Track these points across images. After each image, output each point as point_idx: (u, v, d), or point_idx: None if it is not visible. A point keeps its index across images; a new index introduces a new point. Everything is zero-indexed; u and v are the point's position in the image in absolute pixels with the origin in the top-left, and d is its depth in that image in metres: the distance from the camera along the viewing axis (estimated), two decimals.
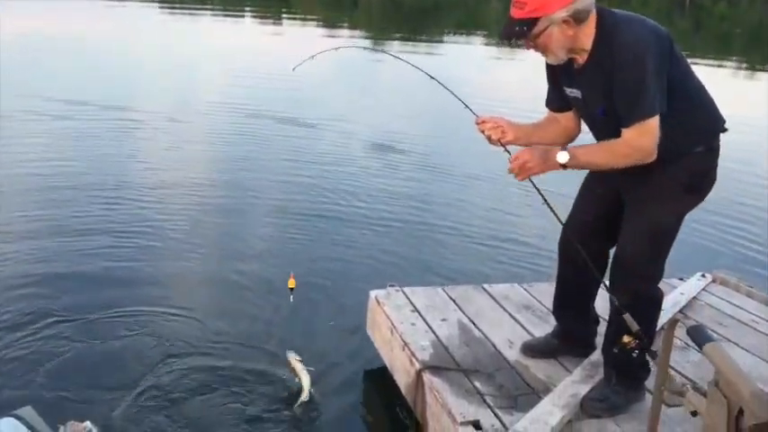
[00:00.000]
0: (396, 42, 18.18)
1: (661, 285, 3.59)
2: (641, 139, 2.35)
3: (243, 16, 22.14)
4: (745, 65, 17.52)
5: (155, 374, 3.19)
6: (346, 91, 11.07)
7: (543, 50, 2.46)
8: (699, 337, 1.92)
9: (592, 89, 2.48)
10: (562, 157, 2.39)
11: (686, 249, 4.68)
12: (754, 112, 10.62)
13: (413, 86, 11.43)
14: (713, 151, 2.56)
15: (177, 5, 23.49)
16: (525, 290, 3.57)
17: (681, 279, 3.76)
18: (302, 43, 16.64)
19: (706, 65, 14.88)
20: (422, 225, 5.37)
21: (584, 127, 2.69)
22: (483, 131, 2.60)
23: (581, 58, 2.47)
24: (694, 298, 3.56)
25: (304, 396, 3.03)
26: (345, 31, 20.16)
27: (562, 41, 2.41)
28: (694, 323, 3.22)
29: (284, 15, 23.05)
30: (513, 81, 12.05)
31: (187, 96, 9.98)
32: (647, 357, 2.35)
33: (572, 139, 2.73)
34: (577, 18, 2.38)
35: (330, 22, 21.35)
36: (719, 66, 15.93)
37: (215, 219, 5.34)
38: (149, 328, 3.60)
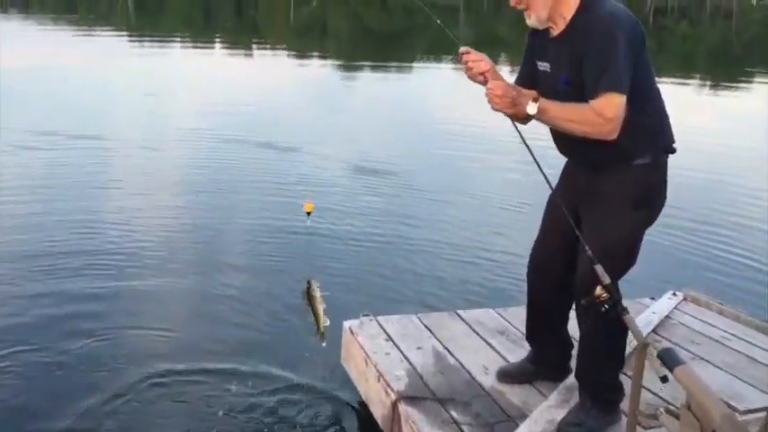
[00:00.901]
0: (366, 67, 18.31)
1: (633, 305, 3.63)
2: (607, 110, 2.38)
3: (213, 46, 22.14)
4: (709, 82, 17.89)
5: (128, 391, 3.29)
6: (319, 115, 11.12)
7: (526, 6, 2.53)
8: (670, 360, 1.93)
9: (560, 57, 2.53)
10: (531, 108, 2.41)
11: (657, 268, 4.75)
12: (721, 129, 10.84)
13: (384, 109, 11.63)
14: (659, 167, 2.60)
15: (147, 37, 23.47)
16: (499, 314, 3.57)
17: (652, 299, 3.79)
18: (273, 71, 16.73)
19: (671, 83, 15.17)
20: (396, 250, 5.38)
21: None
22: (467, 62, 2.56)
23: (557, 28, 2.54)
24: (667, 317, 3.59)
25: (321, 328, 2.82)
26: (315, 59, 20.25)
27: (542, 1, 2.49)
28: (667, 343, 3.24)
29: (254, 44, 23.11)
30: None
31: (159, 124, 9.96)
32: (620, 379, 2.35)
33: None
34: None
35: (300, 50, 21.44)
36: (684, 83, 16.25)
37: (186, 244, 5.38)
38: (124, 350, 3.68)
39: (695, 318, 3.62)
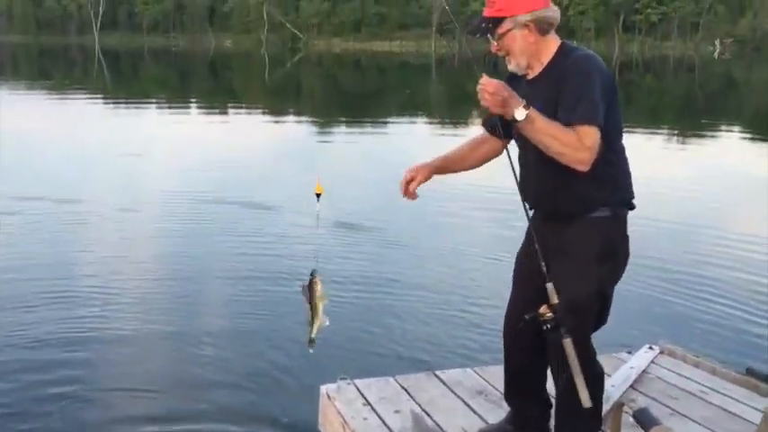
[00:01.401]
0: (342, 125, 18.54)
1: (610, 360, 3.62)
2: (584, 139, 2.39)
3: (188, 109, 22.29)
4: (676, 133, 18.32)
5: None
6: (295, 172, 11.21)
7: (507, 53, 2.60)
8: (645, 420, 1.94)
9: (536, 98, 2.52)
10: (519, 113, 2.38)
11: (632, 321, 4.77)
12: (689, 179, 11.05)
13: (359, 166, 11.72)
14: (620, 221, 2.65)
15: (122, 100, 23.61)
16: (478, 374, 3.55)
17: (629, 352, 3.80)
18: (249, 131, 16.86)
19: (640, 134, 15.51)
20: (373, 308, 5.36)
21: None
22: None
23: (534, 72, 2.61)
24: (644, 371, 3.59)
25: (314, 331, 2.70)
26: (291, 118, 20.46)
27: (523, 47, 2.56)
28: (645, 399, 3.24)
29: (230, 106, 23.32)
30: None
31: (135, 186, 9.96)
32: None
33: (486, 161, 2.92)
34: (540, 27, 2.55)
35: (275, 110, 21.68)
36: (651, 135, 16.61)
37: (164, 305, 5.38)
38: (103, 414, 3.63)
39: (672, 371, 3.62)
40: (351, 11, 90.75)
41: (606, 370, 2.85)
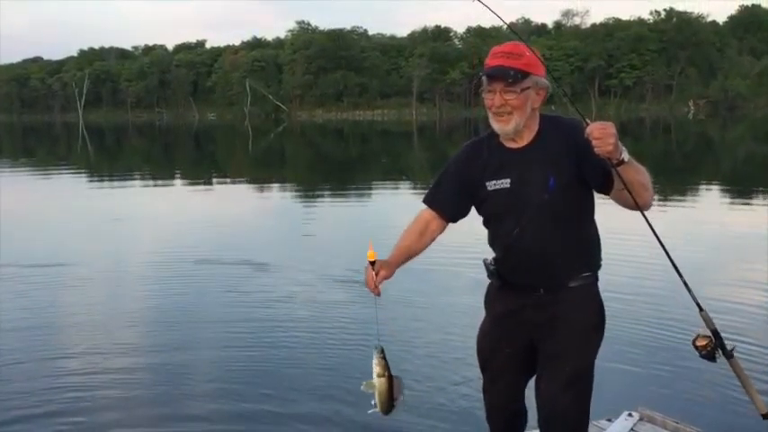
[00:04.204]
0: (326, 192, 18.66)
1: (591, 428, 3.57)
2: None
3: (173, 181, 22.37)
4: (657, 196, 18.52)
5: None
6: (283, 236, 11.32)
7: (513, 109, 2.45)
8: None
9: (534, 167, 2.47)
10: (626, 153, 2.29)
11: (609, 387, 4.68)
12: (668, 242, 11.10)
13: (344, 228, 11.74)
14: (596, 287, 2.66)
15: (106, 176, 23.70)
16: None
17: (609, 420, 3.75)
18: (234, 200, 16.93)
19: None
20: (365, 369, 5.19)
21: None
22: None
23: (523, 140, 2.53)
24: None
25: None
26: (275, 186, 20.58)
27: (528, 109, 2.48)
28: None
29: (214, 177, 23.45)
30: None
31: (122, 256, 9.99)
32: None
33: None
34: (546, 94, 2.52)
35: (260, 180, 21.81)
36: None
37: (154, 374, 5.34)
38: None
39: None
40: (332, 82, 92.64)
41: None
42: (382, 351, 2.54)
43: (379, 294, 2.57)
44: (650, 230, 2.53)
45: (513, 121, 2.48)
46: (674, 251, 2.58)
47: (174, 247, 10.31)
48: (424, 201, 2.77)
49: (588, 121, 2.32)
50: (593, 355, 2.61)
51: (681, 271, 2.56)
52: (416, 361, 5.45)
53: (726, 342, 2.58)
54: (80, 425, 4.44)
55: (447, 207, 2.71)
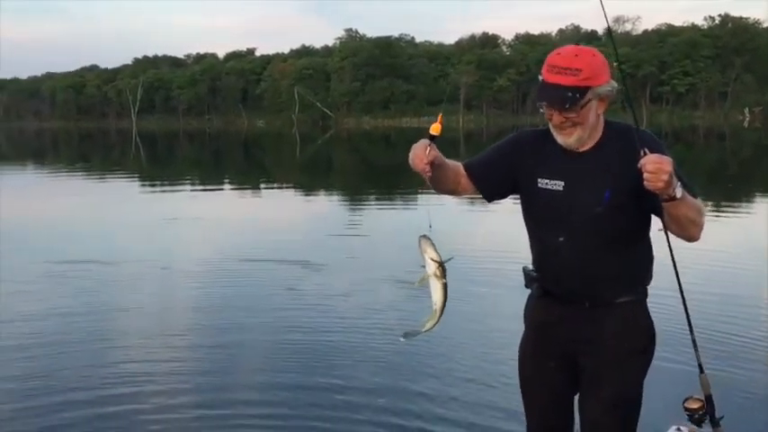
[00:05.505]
0: (372, 198, 18.73)
1: None
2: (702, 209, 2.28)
3: (222, 187, 22.74)
4: (710, 203, 18.09)
5: None
6: (331, 244, 11.32)
7: (574, 124, 2.33)
8: None
9: (592, 176, 2.35)
10: (679, 190, 2.16)
11: (656, 400, 4.55)
12: (723, 252, 10.81)
13: (394, 230, 11.78)
14: (645, 304, 2.53)
15: (157, 181, 24.22)
16: None
17: None
18: (282, 206, 17.13)
19: None
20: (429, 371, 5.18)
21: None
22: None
23: (583, 146, 2.38)
24: None
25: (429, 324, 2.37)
26: (322, 192, 20.75)
27: (592, 120, 2.35)
28: None
29: (262, 183, 23.75)
30: (496, 226, 12.27)
31: (175, 250, 10.47)
32: None
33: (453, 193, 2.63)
34: (609, 100, 2.36)
35: (307, 186, 21.99)
36: None
37: (207, 355, 5.58)
38: None
39: None
40: (380, 89, 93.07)
41: None
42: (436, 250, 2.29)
43: (430, 174, 2.35)
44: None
45: (575, 134, 2.36)
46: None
47: (224, 248, 10.51)
48: (465, 162, 2.63)
49: (646, 149, 2.18)
50: (641, 378, 2.48)
51: (692, 321, 2.48)
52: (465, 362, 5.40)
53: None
54: (139, 410, 4.61)
55: (483, 182, 2.59)
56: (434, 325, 2.37)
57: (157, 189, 21.90)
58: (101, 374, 5.22)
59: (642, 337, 2.48)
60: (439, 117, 2.34)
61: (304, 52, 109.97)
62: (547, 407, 2.62)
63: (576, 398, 2.62)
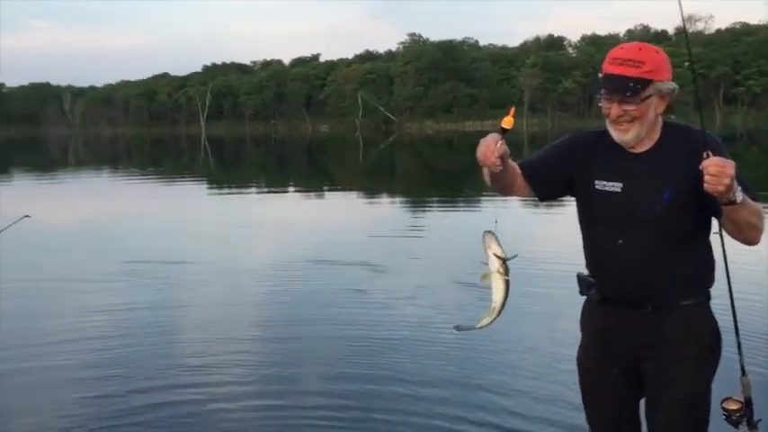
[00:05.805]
0: (435, 201, 18.77)
1: None
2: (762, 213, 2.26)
3: (287, 191, 23.17)
4: None
5: None
6: (397, 241, 11.43)
7: (633, 119, 2.31)
8: None
9: (650, 177, 2.33)
10: (740, 194, 2.13)
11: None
12: None
13: (457, 234, 11.78)
14: (708, 306, 2.49)
15: (225, 185, 24.86)
16: None
17: None
18: (346, 209, 17.35)
19: None
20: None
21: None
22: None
23: (639, 146, 2.36)
24: None
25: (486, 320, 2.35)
26: (385, 196, 20.88)
27: (651, 118, 2.33)
28: None
29: (326, 188, 24.07)
30: (559, 231, 12.15)
31: (247, 252, 10.82)
32: None
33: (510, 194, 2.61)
34: (671, 99, 2.33)
35: (370, 190, 22.17)
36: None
37: (270, 350, 5.79)
38: None
39: None
40: (443, 93, 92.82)
41: None
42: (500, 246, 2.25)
43: (501, 167, 2.34)
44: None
45: (632, 130, 2.33)
46: None
47: (290, 249, 10.82)
48: (519, 162, 2.61)
49: (709, 152, 2.14)
50: (709, 381, 2.46)
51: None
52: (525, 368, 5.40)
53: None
54: (203, 399, 4.83)
55: (537, 181, 2.57)
56: (491, 322, 2.34)
57: (225, 192, 22.50)
58: (173, 364, 5.51)
59: (708, 339, 2.45)
60: (511, 110, 2.31)
61: (367, 57, 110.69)
62: (613, 415, 2.58)
63: (643, 403, 2.59)
